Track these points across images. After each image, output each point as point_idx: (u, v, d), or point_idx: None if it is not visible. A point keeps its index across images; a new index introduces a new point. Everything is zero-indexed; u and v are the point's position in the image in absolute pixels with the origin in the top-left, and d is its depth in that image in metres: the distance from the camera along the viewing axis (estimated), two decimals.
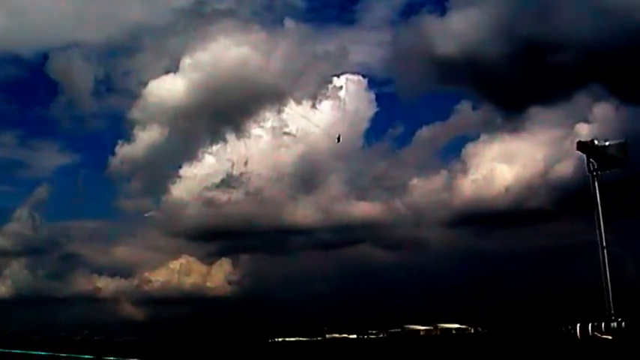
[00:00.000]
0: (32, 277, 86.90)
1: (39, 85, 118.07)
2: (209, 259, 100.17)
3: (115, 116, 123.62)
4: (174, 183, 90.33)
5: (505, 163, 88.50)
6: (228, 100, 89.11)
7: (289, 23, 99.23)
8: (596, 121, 76.14)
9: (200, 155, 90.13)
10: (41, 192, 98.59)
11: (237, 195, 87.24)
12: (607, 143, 10.97)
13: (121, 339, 52.31)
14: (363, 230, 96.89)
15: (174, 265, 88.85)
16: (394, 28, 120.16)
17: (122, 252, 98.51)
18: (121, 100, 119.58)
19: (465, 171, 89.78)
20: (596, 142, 10.98)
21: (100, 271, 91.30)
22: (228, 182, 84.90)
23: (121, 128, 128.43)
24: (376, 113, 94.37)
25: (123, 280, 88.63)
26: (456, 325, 62.44)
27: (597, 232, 10.46)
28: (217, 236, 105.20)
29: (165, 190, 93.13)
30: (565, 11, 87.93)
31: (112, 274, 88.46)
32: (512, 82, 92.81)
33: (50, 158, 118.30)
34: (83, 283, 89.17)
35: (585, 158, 10.96)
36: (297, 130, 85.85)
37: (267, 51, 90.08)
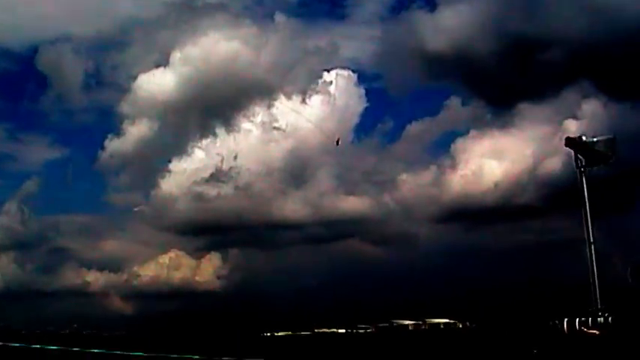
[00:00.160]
0: (21, 271, 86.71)
1: (29, 78, 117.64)
2: (198, 253, 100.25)
3: (105, 110, 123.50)
4: (163, 177, 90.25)
5: (494, 159, 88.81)
6: (218, 94, 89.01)
7: (280, 18, 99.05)
8: (584, 117, 76.47)
9: (190, 150, 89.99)
10: (30, 186, 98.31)
11: (226, 189, 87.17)
12: (595, 139, 11.02)
13: (110, 333, 52.17)
14: (352, 225, 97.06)
15: (164, 259, 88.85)
16: (384, 24, 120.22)
17: (111, 246, 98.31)
18: (111, 94, 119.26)
19: (454, 166, 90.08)
20: (584, 138, 11.04)
21: (89, 265, 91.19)
22: (217, 177, 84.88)
23: (110, 122, 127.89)
24: (366, 108, 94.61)
25: (112, 275, 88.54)
26: (444, 320, 62.62)
27: (584, 228, 10.52)
28: (206, 231, 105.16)
29: (155, 185, 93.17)
30: (554, 8, 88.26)
31: (101, 268, 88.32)
32: (501, 79, 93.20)
33: (39, 152, 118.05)
34: (72, 277, 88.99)
35: (573, 154, 10.99)
36: (286, 125, 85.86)
37: (257, 45, 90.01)
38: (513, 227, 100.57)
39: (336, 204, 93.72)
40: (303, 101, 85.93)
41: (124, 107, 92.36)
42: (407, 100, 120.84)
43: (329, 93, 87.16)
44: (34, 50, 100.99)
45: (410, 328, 62.80)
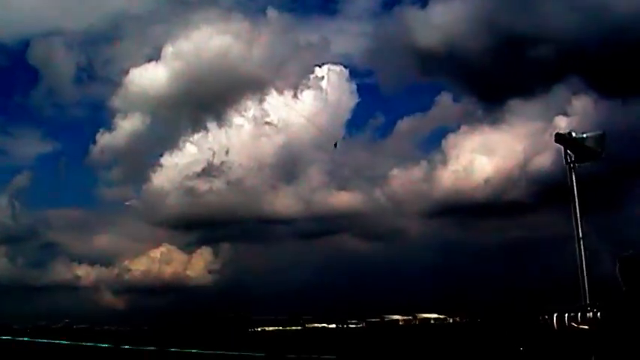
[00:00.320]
0: (11, 265, 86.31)
1: (20, 72, 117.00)
2: (189, 248, 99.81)
3: (96, 104, 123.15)
4: (155, 172, 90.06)
5: (485, 155, 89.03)
6: (210, 88, 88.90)
7: (272, 13, 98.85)
8: (575, 114, 76.76)
9: (181, 144, 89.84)
10: (21, 180, 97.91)
11: (218, 184, 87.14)
12: (584, 135, 11.05)
13: (101, 328, 52.17)
14: (344, 220, 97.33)
15: (155, 253, 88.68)
16: (376, 20, 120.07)
17: (102, 240, 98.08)
18: (103, 88, 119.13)
19: (444, 162, 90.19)
20: (573, 134, 11.06)
21: (80, 259, 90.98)
22: (209, 171, 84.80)
23: (102, 116, 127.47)
24: (357, 104, 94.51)
25: (103, 269, 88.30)
26: (435, 315, 62.90)
27: (574, 223, 10.56)
28: (198, 225, 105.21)
29: (146, 179, 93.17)
30: (545, 5, 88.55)
31: (92, 262, 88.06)
32: (492, 75, 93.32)
33: (31, 146, 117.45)
34: (63, 271, 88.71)
35: (563, 150, 11.04)
36: (278, 120, 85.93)
37: (249, 40, 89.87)
38: (504, 223, 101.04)
39: (328, 199, 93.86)
40: (295, 96, 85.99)
41: (116, 101, 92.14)
42: (398, 95, 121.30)
43: (321, 88, 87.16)
44: (26, 44, 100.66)
45: (400, 323, 63.05)
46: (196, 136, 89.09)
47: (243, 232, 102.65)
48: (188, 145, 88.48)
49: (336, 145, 52.13)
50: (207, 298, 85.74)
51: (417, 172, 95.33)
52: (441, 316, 62.29)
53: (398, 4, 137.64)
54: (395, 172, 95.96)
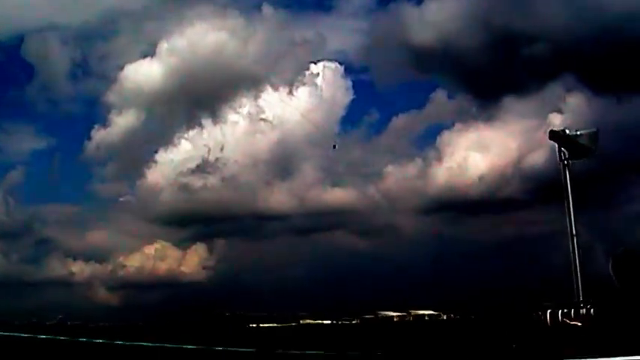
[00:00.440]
0: (5, 261, 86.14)
1: (14, 67, 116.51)
2: (184, 244, 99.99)
3: (91, 100, 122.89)
4: (149, 168, 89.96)
5: (479, 152, 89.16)
6: (205, 85, 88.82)
7: (267, 9, 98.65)
8: (568, 111, 76.86)
9: (176, 140, 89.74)
10: (15, 176, 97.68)
11: (212, 180, 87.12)
12: (578, 133, 11.13)
13: (95, 324, 52.09)
14: (338, 217, 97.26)
15: (149, 250, 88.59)
16: (372, 16, 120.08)
17: (97, 237, 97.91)
18: (98, 84, 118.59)
19: (439, 159, 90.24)
20: (567, 131, 11.13)
21: (75, 255, 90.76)
22: (203, 168, 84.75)
23: (97, 112, 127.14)
24: (352, 100, 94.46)
25: (97, 265, 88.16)
26: (429, 312, 62.99)
27: (567, 220, 10.62)
28: (192, 221, 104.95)
29: (141, 175, 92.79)
30: (540, 3, 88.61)
31: (87, 258, 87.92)
32: (487, 72, 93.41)
33: (25, 142, 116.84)
34: (57, 267, 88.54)
35: (557, 147, 11.09)
36: (273, 117, 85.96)
37: (244, 37, 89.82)
38: (498, 219, 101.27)
39: (322, 195, 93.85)
40: (290, 93, 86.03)
41: (111, 97, 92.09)
42: (393, 92, 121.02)
43: (316, 85, 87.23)
44: (20, 39, 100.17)
45: (395, 319, 63.12)
46: (191, 133, 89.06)
47: (237, 228, 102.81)
48: (183, 141, 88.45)
49: (334, 146, 52.34)
50: (202, 295, 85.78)
51: (411, 168, 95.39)
52: (435, 313, 62.40)
53: (393, 1, 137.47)
54: (389, 168, 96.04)
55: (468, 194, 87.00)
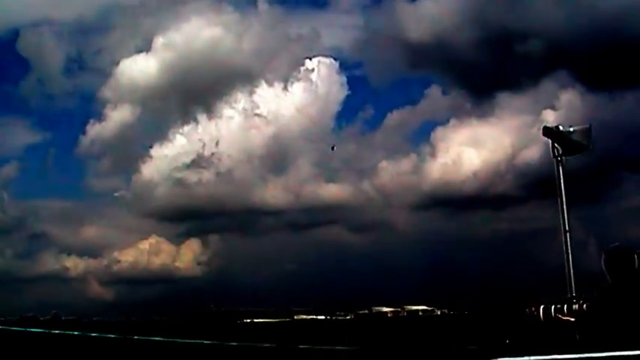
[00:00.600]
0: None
1: (9, 62, 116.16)
2: (178, 239, 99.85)
3: (86, 95, 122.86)
4: (144, 163, 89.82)
5: (473, 148, 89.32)
6: (200, 80, 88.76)
7: (262, 5, 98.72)
8: (562, 107, 77.06)
9: (171, 135, 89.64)
10: (9, 170, 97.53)
11: (207, 175, 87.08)
12: (571, 129, 11.15)
13: (90, 319, 52.11)
14: (333, 212, 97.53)
15: (144, 245, 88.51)
16: (366, 12, 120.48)
17: (91, 232, 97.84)
18: (93, 79, 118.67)
19: (433, 155, 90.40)
20: (561, 127, 11.16)
21: (69, 250, 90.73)
22: (198, 163, 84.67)
23: (91, 107, 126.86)
24: (347, 96, 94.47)
25: (91, 260, 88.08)
26: (423, 307, 63.17)
27: (560, 215, 10.65)
28: (187, 216, 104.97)
29: (136, 170, 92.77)
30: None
31: (81, 253, 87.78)
32: (481, 69, 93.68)
33: (20, 136, 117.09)
34: (51, 262, 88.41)
35: (550, 143, 11.12)
36: (268, 112, 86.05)
37: (239, 32, 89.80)
38: (492, 215, 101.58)
39: (317, 191, 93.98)
40: (285, 88, 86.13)
41: (106, 92, 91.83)
42: (388, 88, 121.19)
43: (311, 80, 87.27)
44: (15, 34, 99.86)
45: (389, 315, 63.28)
46: (186, 128, 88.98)
47: (232, 223, 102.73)
48: (178, 136, 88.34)
49: (333, 148, 52.66)
50: (196, 290, 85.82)
51: (406, 164, 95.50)
52: (428, 308, 62.59)
53: None
54: (384, 164, 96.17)
55: (462, 190, 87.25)
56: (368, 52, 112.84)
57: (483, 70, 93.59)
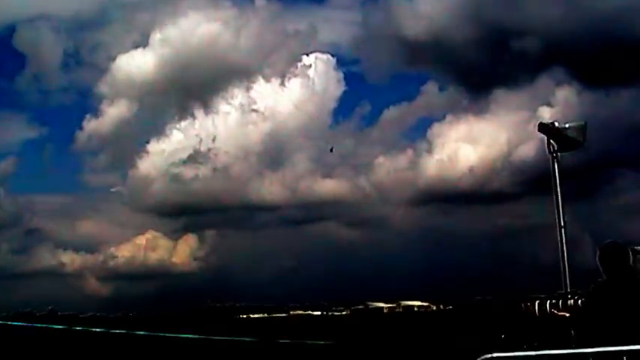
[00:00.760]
0: None
1: (6, 57, 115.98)
2: (175, 234, 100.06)
3: (83, 90, 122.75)
4: (141, 158, 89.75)
5: (469, 144, 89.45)
6: (198, 76, 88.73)
7: (260, 1, 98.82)
8: (558, 104, 77.18)
9: (168, 131, 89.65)
10: (6, 165, 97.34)
11: (204, 171, 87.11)
12: (567, 125, 11.19)
13: (86, 314, 52.07)
14: (329, 208, 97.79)
15: (140, 240, 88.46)
16: (364, 9, 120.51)
17: (87, 227, 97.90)
18: (90, 74, 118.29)
19: (430, 151, 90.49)
20: (556, 124, 11.20)
21: (65, 246, 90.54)
22: (195, 158, 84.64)
23: (88, 102, 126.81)
24: (344, 92, 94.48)
25: (88, 256, 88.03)
26: (418, 303, 63.23)
27: (555, 211, 10.70)
28: (184, 212, 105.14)
29: (133, 166, 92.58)
30: None
31: (77, 249, 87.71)
32: (478, 65, 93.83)
33: (16, 131, 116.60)
34: (47, 258, 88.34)
35: (546, 140, 11.17)
36: (265, 108, 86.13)
37: (237, 28, 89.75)
38: (487, 211, 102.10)
39: (313, 186, 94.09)
40: (282, 84, 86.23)
41: (103, 88, 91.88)
42: (385, 84, 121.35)
43: (308, 76, 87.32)
44: (12, 29, 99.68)
45: (385, 310, 63.34)
46: (183, 123, 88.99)
47: (228, 219, 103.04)
48: (175, 131, 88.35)
49: (332, 149, 52.72)
50: (192, 285, 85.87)
51: (402, 160, 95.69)
52: (424, 304, 62.67)
53: None
54: (380, 160, 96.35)
55: (458, 186, 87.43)
56: (365, 48, 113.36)
57: (480, 67, 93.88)
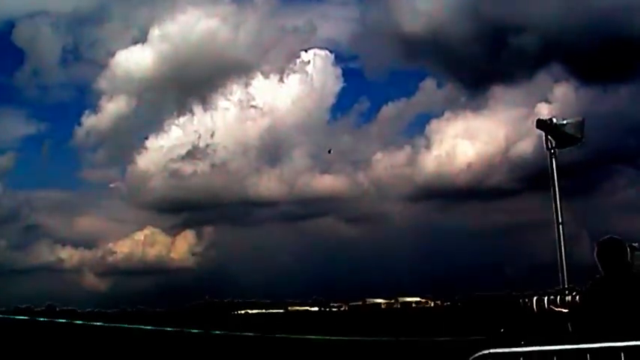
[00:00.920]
0: None
1: (5, 53, 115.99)
2: (173, 230, 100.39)
3: (82, 86, 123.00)
4: (140, 154, 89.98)
5: (468, 140, 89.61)
6: (196, 72, 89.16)
7: None
8: (556, 101, 77.37)
9: (167, 127, 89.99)
10: (5, 161, 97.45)
11: (202, 167, 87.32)
12: (565, 121, 11.22)
13: (84, 310, 52.15)
14: (327, 203, 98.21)
15: (139, 236, 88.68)
16: (362, 5, 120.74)
17: (86, 223, 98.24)
18: (89, 70, 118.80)
19: (428, 147, 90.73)
20: (554, 120, 11.23)
21: (64, 241, 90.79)
22: (194, 154, 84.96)
23: (87, 98, 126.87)
24: (342, 88, 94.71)
25: (86, 251, 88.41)
26: (416, 299, 63.42)
27: (553, 207, 10.73)
28: (182, 208, 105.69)
29: (131, 161, 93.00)
30: None
31: (76, 244, 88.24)
32: (476, 62, 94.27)
33: (16, 127, 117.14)
34: (46, 253, 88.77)
35: (544, 136, 11.20)
36: (263, 104, 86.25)
37: (236, 24, 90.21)
38: (485, 207, 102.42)
39: (311, 182, 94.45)
40: (281, 80, 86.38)
41: (102, 84, 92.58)
42: (383, 81, 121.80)
43: (306, 73, 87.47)
44: (11, 25, 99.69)
45: (382, 306, 63.48)
46: (182, 119, 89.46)
47: (227, 214, 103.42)
48: (173, 127, 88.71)
49: (330, 151, 52.83)
50: (190, 281, 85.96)
51: (400, 156, 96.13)
52: (422, 300, 62.82)
53: None
54: (379, 156, 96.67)
55: (456, 182, 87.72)
56: (363, 44, 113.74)
57: (478, 64, 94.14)
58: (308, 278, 77.05)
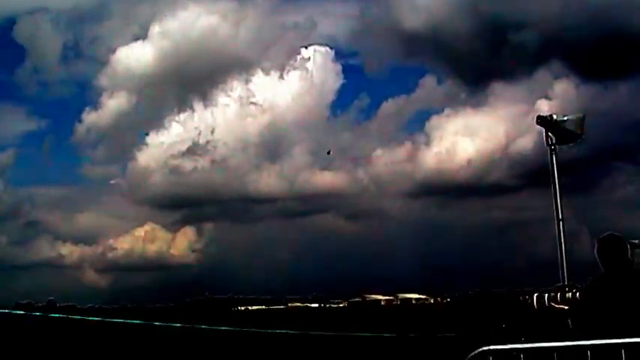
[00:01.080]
0: None
1: (5, 49, 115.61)
2: (174, 226, 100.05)
3: (83, 83, 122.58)
4: (140, 150, 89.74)
5: (468, 137, 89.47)
6: (197, 68, 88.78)
7: None
8: (556, 97, 77.15)
9: (167, 123, 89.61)
10: (5, 158, 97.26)
11: (203, 163, 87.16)
12: (565, 118, 11.19)
13: (84, 306, 52.12)
14: (327, 200, 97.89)
15: (139, 232, 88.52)
16: (362, 1, 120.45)
17: (86, 219, 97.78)
18: (89, 66, 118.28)
19: (428, 144, 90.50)
20: (555, 116, 11.20)
21: (64, 238, 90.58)
22: (194, 150, 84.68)
23: (88, 95, 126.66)
24: (342, 85, 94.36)
25: (87, 247, 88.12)
26: (416, 296, 63.36)
27: (553, 203, 10.71)
28: (182, 204, 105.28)
29: (132, 158, 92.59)
30: None
31: (76, 241, 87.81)
32: (476, 58, 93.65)
33: (16, 124, 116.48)
34: (46, 250, 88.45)
35: (544, 132, 11.17)
36: (263, 100, 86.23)
37: (236, 20, 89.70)
38: (486, 204, 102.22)
39: (311, 179, 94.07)
40: (281, 77, 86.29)
41: (102, 80, 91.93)
42: (383, 77, 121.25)
43: (306, 69, 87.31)
44: (12, 22, 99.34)
45: (382, 303, 63.44)
46: (182, 116, 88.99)
47: (227, 211, 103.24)
48: (174, 124, 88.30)
49: (329, 152, 52.82)
50: (191, 277, 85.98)
51: (400, 153, 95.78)
52: (422, 297, 62.79)
53: None
54: (379, 152, 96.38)
55: (456, 179, 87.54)
56: (363, 41, 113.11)
57: (478, 60, 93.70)
58: (308, 274, 77.13)
